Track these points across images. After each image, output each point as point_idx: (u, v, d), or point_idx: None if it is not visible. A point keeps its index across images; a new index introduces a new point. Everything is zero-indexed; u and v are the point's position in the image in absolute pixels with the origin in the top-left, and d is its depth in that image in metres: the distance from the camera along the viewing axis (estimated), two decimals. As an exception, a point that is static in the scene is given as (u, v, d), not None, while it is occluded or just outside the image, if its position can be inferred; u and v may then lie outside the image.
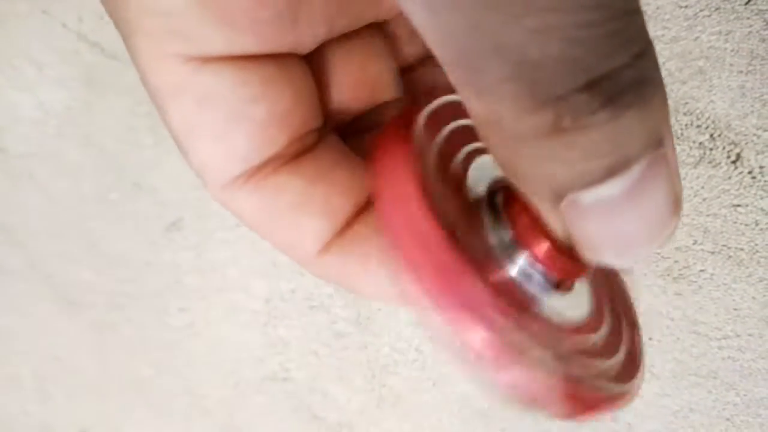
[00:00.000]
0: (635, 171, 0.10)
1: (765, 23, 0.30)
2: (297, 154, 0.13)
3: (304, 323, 0.42)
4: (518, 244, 0.13)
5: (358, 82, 0.15)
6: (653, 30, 0.31)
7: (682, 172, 0.32)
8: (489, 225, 0.13)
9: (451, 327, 0.11)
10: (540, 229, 0.12)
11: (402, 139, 0.12)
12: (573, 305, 0.14)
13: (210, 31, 0.11)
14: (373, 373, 0.41)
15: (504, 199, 0.13)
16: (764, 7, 0.29)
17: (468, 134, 0.13)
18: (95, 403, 0.51)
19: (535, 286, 0.13)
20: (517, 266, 0.13)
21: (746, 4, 0.30)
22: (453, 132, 0.13)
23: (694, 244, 0.32)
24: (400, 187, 0.11)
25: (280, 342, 0.43)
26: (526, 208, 0.12)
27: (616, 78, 0.09)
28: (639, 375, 0.14)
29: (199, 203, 0.43)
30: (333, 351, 0.42)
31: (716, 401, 0.34)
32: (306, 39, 0.13)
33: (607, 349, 0.14)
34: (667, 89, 0.31)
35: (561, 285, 0.14)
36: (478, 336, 0.11)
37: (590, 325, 0.14)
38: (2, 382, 0.54)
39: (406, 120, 0.13)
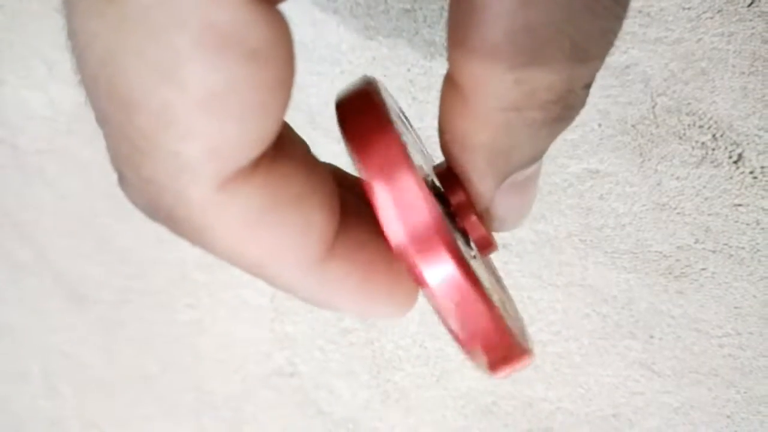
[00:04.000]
0: (539, 163, 0.14)
1: (767, 25, 0.30)
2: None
3: (311, 319, 0.43)
4: (456, 212, 0.14)
5: None
6: (657, 31, 0.31)
7: (685, 171, 0.32)
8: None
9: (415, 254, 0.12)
10: (470, 203, 0.14)
11: (371, 99, 0.13)
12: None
13: None
14: (379, 368, 0.41)
15: (444, 173, 0.15)
16: (767, 9, 0.30)
17: None
18: (103, 398, 0.52)
19: (469, 249, 0.15)
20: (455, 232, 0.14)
21: (749, 6, 0.30)
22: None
23: (695, 242, 0.33)
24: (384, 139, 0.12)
25: (287, 338, 0.44)
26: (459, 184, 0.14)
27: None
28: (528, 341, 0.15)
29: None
30: (339, 347, 0.42)
31: (717, 398, 0.34)
32: None
33: (509, 314, 0.15)
34: (670, 90, 0.31)
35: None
36: (449, 264, 0.12)
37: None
38: (11, 377, 0.54)
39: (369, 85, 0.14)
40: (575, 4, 0.11)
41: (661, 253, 0.33)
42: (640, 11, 0.31)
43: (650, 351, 0.35)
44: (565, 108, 0.12)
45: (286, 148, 0.12)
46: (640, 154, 0.32)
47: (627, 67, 0.32)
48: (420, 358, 0.40)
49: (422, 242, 0.12)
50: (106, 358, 0.50)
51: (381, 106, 0.13)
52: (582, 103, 0.13)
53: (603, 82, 0.32)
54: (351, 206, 0.14)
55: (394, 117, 0.13)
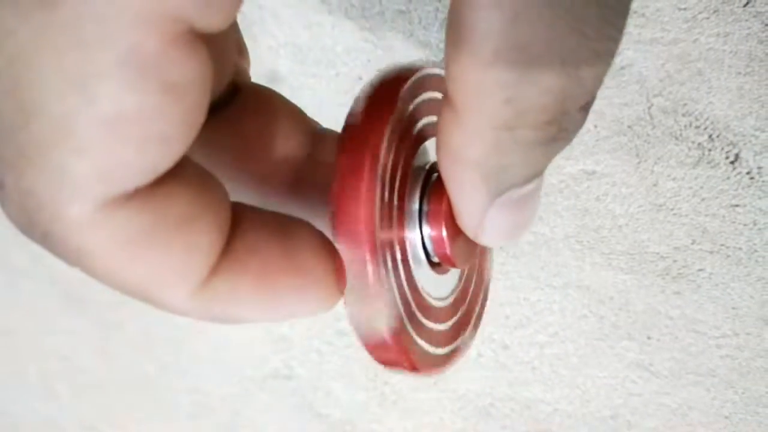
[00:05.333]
0: (537, 181, 0.14)
1: (763, 25, 0.30)
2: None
3: (308, 321, 0.42)
4: (429, 220, 0.15)
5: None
6: (653, 32, 0.31)
7: (681, 172, 0.32)
8: (417, 193, 0.16)
9: (345, 247, 0.14)
10: (448, 218, 0.15)
11: (384, 104, 0.15)
12: (439, 285, 0.17)
13: None
14: (376, 371, 0.41)
15: (437, 179, 0.16)
16: (763, 10, 0.30)
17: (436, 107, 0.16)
18: (100, 400, 0.51)
19: (419, 254, 0.16)
20: (417, 234, 0.15)
21: (745, 6, 0.30)
22: (425, 101, 0.15)
23: (692, 243, 0.33)
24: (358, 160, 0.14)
25: (283, 340, 0.43)
26: (446, 197, 0.15)
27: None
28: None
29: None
30: (336, 349, 0.42)
31: (715, 399, 0.34)
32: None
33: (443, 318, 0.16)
34: (666, 91, 0.31)
35: (438, 267, 0.16)
36: (363, 261, 0.14)
37: (445, 309, 0.17)
38: (8, 379, 0.54)
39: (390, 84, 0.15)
40: (561, 25, 0.11)
41: (658, 254, 0.33)
42: (635, 12, 0.31)
43: (648, 352, 0.35)
44: (560, 130, 0.12)
45: (177, 170, 0.12)
46: (637, 155, 0.32)
47: (623, 67, 0.32)
48: (417, 359, 0.40)
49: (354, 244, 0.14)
50: (103, 361, 0.50)
51: (372, 172, 0.14)
52: (579, 125, 0.13)
53: (599, 83, 0.32)
54: (245, 211, 0.14)
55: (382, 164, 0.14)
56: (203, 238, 0.12)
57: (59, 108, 0.10)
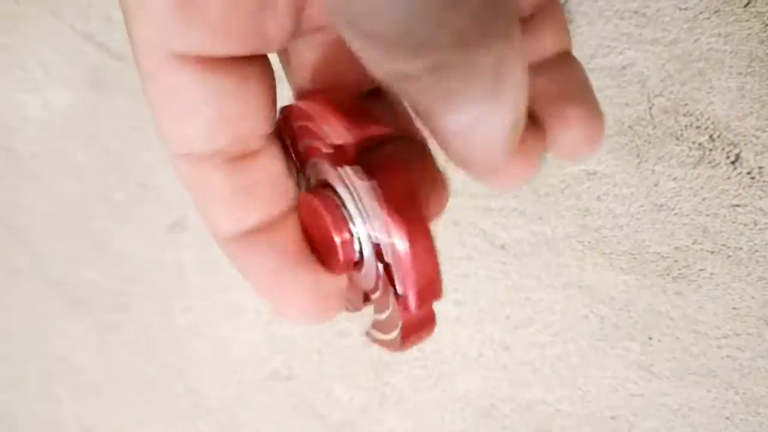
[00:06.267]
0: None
1: (764, 25, 0.30)
2: (239, 155, 0.15)
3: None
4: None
5: (326, 72, 0.16)
6: (653, 32, 0.31)
7: (682, 172, 0.32)
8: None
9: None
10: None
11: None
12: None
13: (183, 33, 0.13)
14: (376, 371, 0.41)
15: None
16: (763, 10, 0.30)
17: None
18: (99, 402, 0.51)
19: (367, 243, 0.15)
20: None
21: (745, 6, 0.30)
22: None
23: (693, 243, 0.33)
24: None
25: (283, 341, 0.43)
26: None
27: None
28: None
29: (203, 203, 0.44)
30: (336, 350, 0.42)
31: (715, 400, 0.34)
32: (273, 39, 0.14)
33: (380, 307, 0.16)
34: (667, 91, 0.31)
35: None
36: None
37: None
38: (8, 381, 0.54)
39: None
40: None
41: (659, 254, 0.33)
42: (636, 12, 0.31)
43: (649, 352, 0.35)
44: None
45: None
46: (638, 155, 0.32)
47: (623, 68, 0.32)
48: (418, 360, 0.40)
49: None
50: (102, 362, 0.50)
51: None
52: None
53: (599, 83, 0.32)
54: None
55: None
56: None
57: (150, 96, 0.13)
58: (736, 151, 0.31)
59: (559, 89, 0.15)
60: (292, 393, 0.44)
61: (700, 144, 0.31)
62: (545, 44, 0.15)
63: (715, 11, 0.30)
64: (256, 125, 0.14)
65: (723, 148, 0.31)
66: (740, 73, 0.30)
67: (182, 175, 0.15)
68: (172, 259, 0.46)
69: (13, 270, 0.51)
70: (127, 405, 0.50)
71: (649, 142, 0.32)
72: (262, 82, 0.14)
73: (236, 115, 0.14)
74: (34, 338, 0.52)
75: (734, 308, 0.33)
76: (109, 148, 0.45)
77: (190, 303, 0.46)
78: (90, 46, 0.44)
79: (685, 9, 0.30)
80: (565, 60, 0.15)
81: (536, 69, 0.15)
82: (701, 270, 0.33)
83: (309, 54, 0.16)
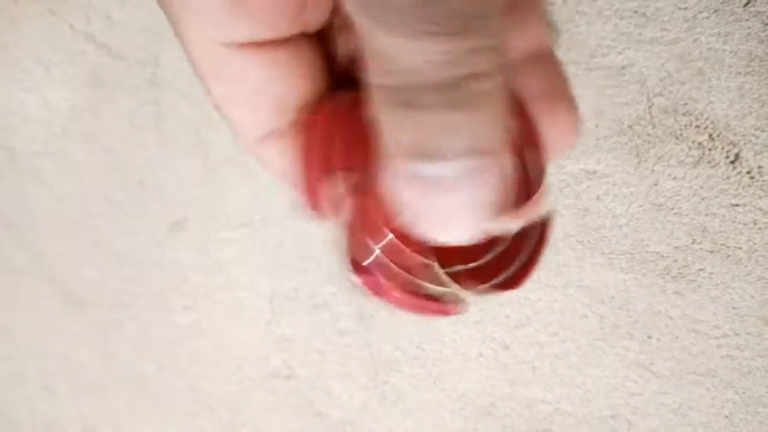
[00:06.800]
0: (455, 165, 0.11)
1: (763, 25, 0.30)
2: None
3: (308, 321, 0.42)
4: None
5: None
6: (653, 32, 0.31)
7: (682, 171, 0.32)
8: None
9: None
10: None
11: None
12: None
13: (234, 23, 0.14)
14: (376, 370, 0.41)
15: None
16: (763, 9, 0.30)
17: None
18: (100, 400, 0.51)
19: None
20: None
21: (745, 6, 0.30)
22: None
23: (692, 243, 0.33)
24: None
25: (284, 340, 0.43)
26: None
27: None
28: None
29: (203, 202, 0.44)
30: (336, 348, 0.42)
31: (715, 399, 0.34)
32: (313, 20, 0.15)
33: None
34: (667, 90, 0.31)
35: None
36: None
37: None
38: (8, 379, 0.54)
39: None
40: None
41: (658, 253, 0.33)
42: (635, 11, 0.31)
43: (648, 352, 0.35)
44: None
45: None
46: (637, 155, 0.32)
47: (623, 67, 0.32)
48: (418, 359, 0.40)
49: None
50: (102, 360, 0.50)
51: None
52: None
53: (599, 83, 0.32)
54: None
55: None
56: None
57: (214, 91, 0.14)
58: (736, 150, 0.31)
59: (546, 85, 0.15)
60: (293, 391, 0.44)
61: (699, 143, 0.31)
62: (530, 39, 0.15)
63: (715, 11, 0.30)
64: (316, 88, 0.15)
65: (722, 148, 0.31)
66: (740, 73, 0.30)
67: (267, 157, 0.15)
68: (173, 258, 0.46)
69: (13, 268, 0.51)
70: (128, 403, 0.50)
71: (649, 142, 0.32)
72: (313, 49, 0.15)
73: (297, 84, 0.15)
74: (35, 336, 0.52)
75: (734, 308, 0.33)
76: (110, 148, 0.45)
77: (190, 302, 0.46)
78: (90, 46, 0.44)
79: (685, 8, 0.30)
80: (547, 55, 0.16)
81: (520, 65, 0.15)
82: (701, 269, 0.33)
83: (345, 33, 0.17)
